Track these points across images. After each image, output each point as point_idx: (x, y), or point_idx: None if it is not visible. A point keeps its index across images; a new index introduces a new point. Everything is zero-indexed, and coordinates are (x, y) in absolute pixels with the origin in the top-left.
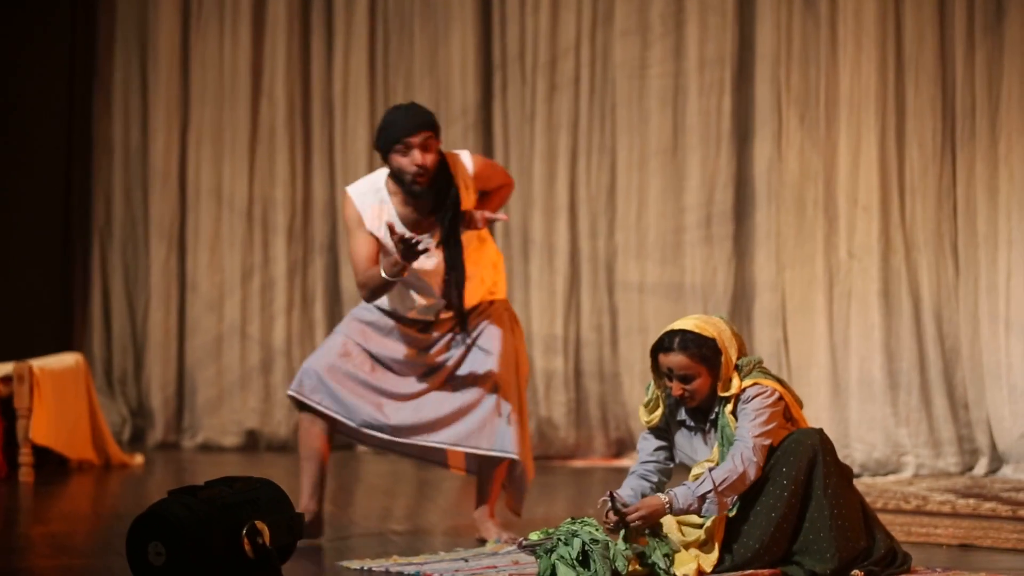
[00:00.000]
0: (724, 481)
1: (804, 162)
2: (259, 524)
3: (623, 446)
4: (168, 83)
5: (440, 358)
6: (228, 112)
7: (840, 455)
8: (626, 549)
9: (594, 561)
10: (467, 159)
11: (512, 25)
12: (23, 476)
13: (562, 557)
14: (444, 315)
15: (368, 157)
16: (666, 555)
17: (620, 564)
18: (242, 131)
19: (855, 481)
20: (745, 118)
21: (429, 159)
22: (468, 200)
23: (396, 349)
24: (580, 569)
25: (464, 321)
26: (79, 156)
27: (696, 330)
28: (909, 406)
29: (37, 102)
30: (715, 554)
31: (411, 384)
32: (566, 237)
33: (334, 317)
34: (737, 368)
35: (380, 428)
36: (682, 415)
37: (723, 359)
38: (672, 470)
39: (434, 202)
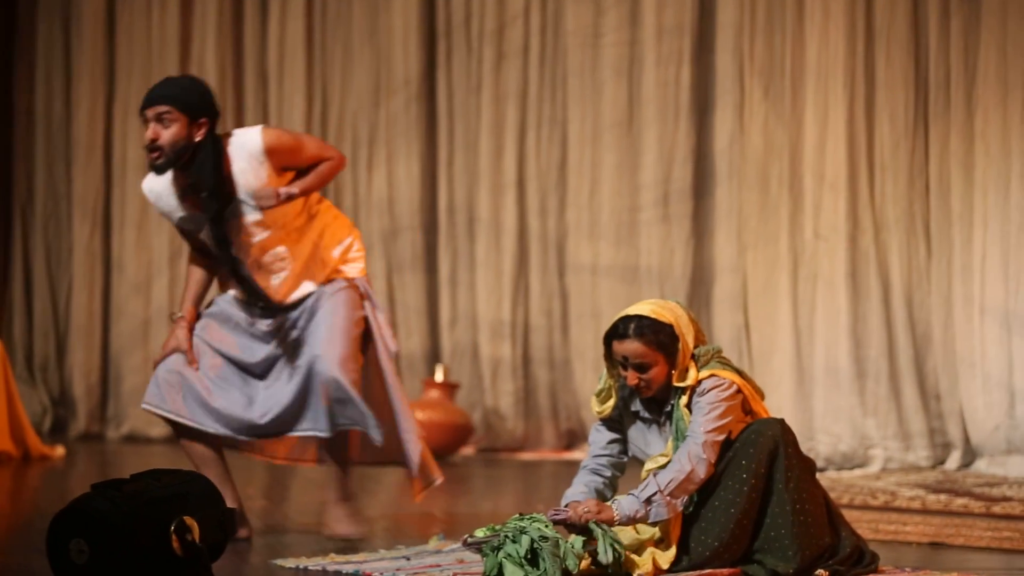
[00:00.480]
0: (671, 483)
1: (768, 137)
2: (188, 520)
3: (574, 437)
4: (93, 52)
5: (273, 346)
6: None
7: (804, 447)
8: (576, 547)
9: (543, 559)
10: (254, 135)
11: None
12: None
13: (509, 555)
14: (239, 296)
15: (305, 130)
16: (612, 545)
17: (571, 563)
18: None
19: (819, 475)
20: (705, 90)
21: (165, 135)
22: (261, 178)
23: (233, 342)
24: (529, 568)
25: (284, 306)
26: None
27: (652, 315)
28: (877, 396)
29: None
30: (672, 551)
31: (251, 379)
32: (514, 215)
33: None
34: (694, 357)
35: (232, 428)
36: (636, 406)
37: (680, 347)
38: (626, 464)
39: (196, 182)
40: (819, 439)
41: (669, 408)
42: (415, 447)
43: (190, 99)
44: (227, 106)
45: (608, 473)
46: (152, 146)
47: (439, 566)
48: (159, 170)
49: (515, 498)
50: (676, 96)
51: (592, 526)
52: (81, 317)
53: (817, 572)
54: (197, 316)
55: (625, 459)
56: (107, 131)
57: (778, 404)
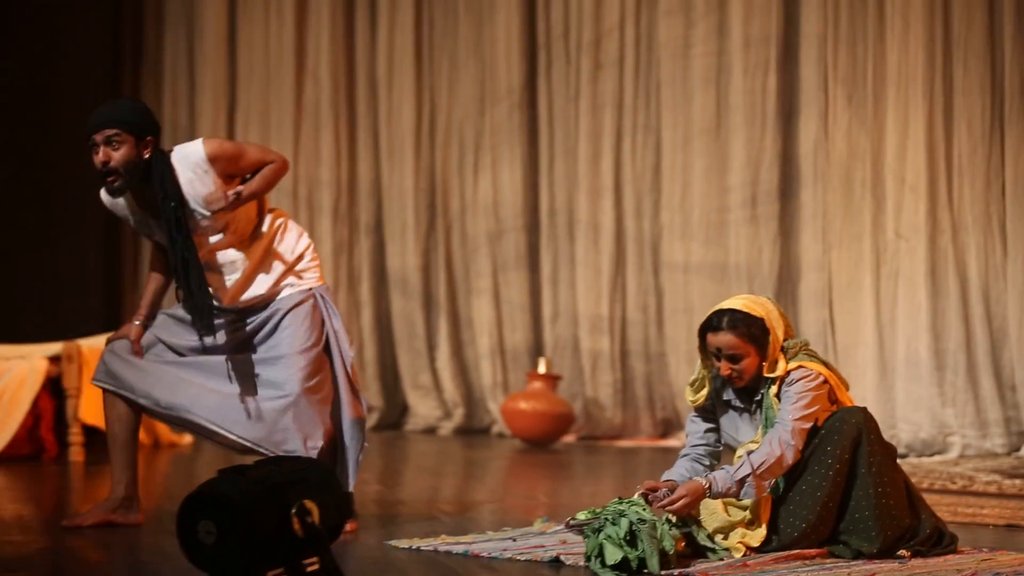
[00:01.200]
0: (762, 464)
1: (851, 141)
2: (308, 503)
3: (669, 426)
4: (215, 64)
5: (223, 345)
6: (274, 92)
7: (886, 435)
8: (673, 528)
9: (641, 540)
10: (196, 146)
11: (556, 4)
12: (73, 455)
13: (609, 537)
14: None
15: (414, 137)
16: (709, 536)
17: (667, 544)
18: (287, 111)
19: (900, 461)
20: (790, 97)
21: (116, 156)
22: (208, 185)
23: (186, 338)
24: (627, 548)
25: (239, 311)
26: None
27: (745, 310)
28: (956, 387)
29: (83, 85)
30: (762, 531)
31: (208, 373)
32: (611, 217)
33: (380, 296)
34: (783, 350)
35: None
36: (728, 395)
37: (771, 339)
38: (721, 452)
39: (164, 194)
40: (900, 427)
41: (759, 397)
42: (352, 469)
43: (135, 119)
44: (340, 114)
45: (707, 461)
46: (106, 169)
47: (543, 547)
48: (115, 193)
49: (614, 483)
50: (763, 103)
51: (692, 526)
52: None
53: (899, 552)
54: (153, 315)
55: (720, 447)
56: (228, 137)
57: (862, 394)
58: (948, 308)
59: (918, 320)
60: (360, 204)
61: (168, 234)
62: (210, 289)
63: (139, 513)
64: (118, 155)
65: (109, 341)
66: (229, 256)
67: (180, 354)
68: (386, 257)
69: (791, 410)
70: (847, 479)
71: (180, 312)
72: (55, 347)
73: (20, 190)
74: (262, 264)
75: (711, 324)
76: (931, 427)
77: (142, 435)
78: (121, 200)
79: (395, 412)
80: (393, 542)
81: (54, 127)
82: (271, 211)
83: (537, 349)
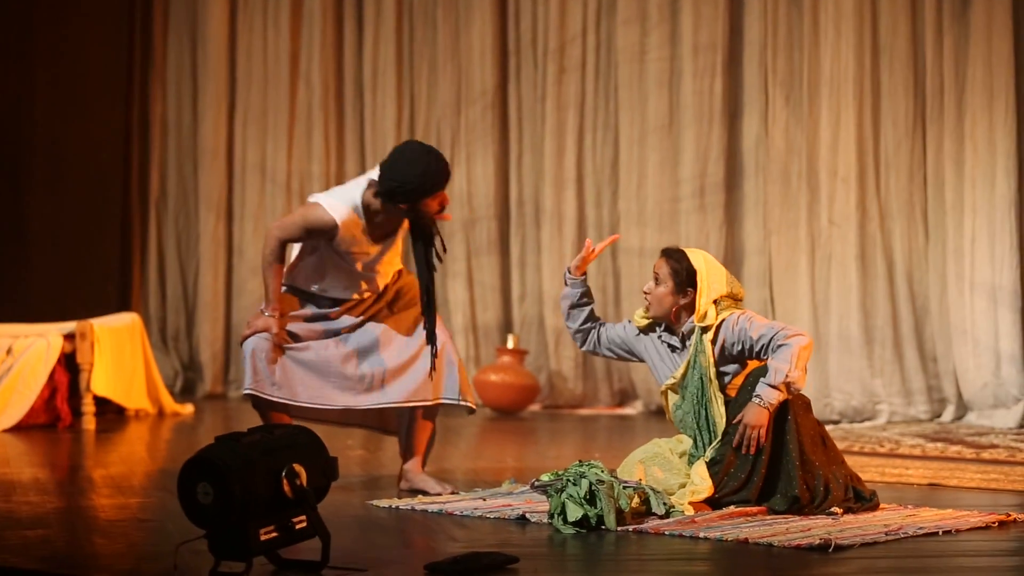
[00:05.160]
0: (792, 359)
1: (789, 138)
2: (297, 467)
3: (626, 396)
4: (216, 69)
5: (352, 322)
6: (271, 95)
7: (820, 404)
8: (627, 488)
9: (600, 499)
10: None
11: (525, 15)
12: (85, 424)
13: (571, 496)
14: (357, 297)
15: (396, 135)
16: (664, 502)
17: (623, 503)
18: (283, 112)
19: (834, 427)
20: (735, 98)
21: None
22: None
23: (310, 328)
24: (587, 507)
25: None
26: (137, 135)
27: (688, 253)
28: (883, 359)
29: (99, 86)
30: (707, 486)
31: (336, 348)
32: (574, 206)
33: None
34: (716, 303)
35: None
36: (664, 335)
37: (696, 290)
38: (589, 330)
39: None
40: (834, 396)
41: (689, 341)
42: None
43: None
44: (329, 114)
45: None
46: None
47: (511, 506)
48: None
49: (575, 448)
50: (710, 104)
51: (646, 488)
52: (207, 295)
53: (832, 508)
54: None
55: (592, 330)
56: (229, 137)
57: None
58: (876, 288)
59: (849, 299)
60: None
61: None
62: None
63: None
64: None
65: (245, 339)
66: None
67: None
68: None
69: (762, 332)
70: (775, 430)
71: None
72: (70, 325)
73: (40, 180)
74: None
75: (663, 250)
76: (861, 396)
77: (147, 404)
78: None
79: None
80: (374, 502)
81: (73, 121)
82: None
83: (506, 326)
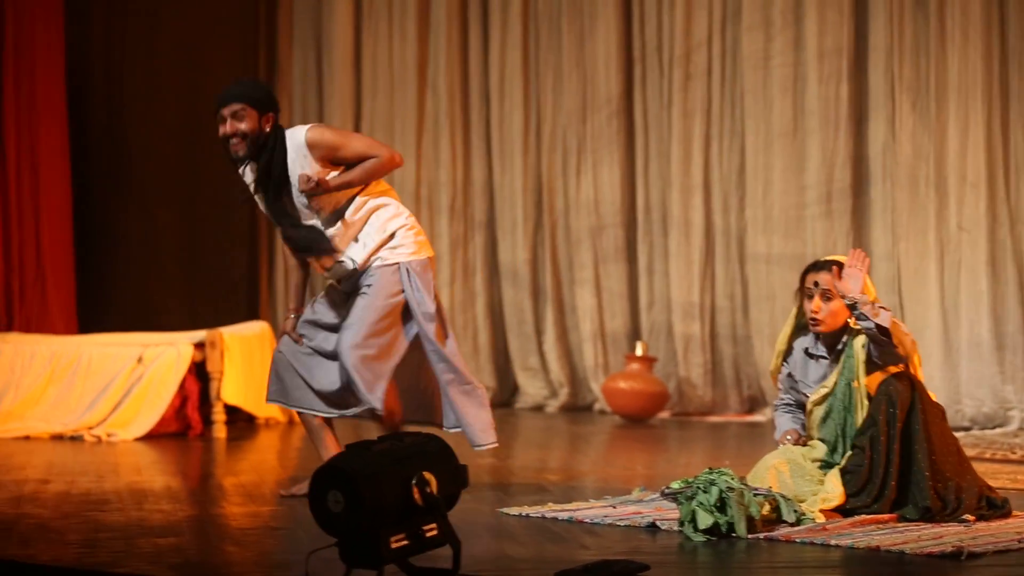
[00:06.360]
0: (880, 310)
1: (916, 143)
2: (427, 475)
3: (755, 403)
4: (342, 77)
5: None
6: (397, 103)
7: (951, 411)
8: (758, 496)
9: (730, 507)
10: (302, 130)
11: (650, 21)
12: (216, 432)
13: (701, 504)
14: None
15: (523, 142)
16: (795, 510)
17: (754, 510)
18: (410, 120)
19: (965, 433)
20: (861, 104)
21: (241, 127)
22: (305, 168)
23: (323, 312)
24: (718, 514)
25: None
26: None
27: (837, 260)
28: (1015, 365)
29: None
30: (839, 493)
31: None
32: (701, 213)
33: (492, 287)
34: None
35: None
36: (811, 346)
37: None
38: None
39: (267, 164)
40: (965, 403)
41: (840, 347)
42: (462, 410)
43: (258, 96)
44: (456, 122)
45: (800, 413)
46: (231, 136)
47: (641, 513)
48: (239, 161)
49: (705, 455)
50: (836, 109)
51: (777, 496)
52: None
53: (965, 516)
54: (302, 305)
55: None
56: None
57: (929, 373)
58: (1007, 294)
59: (980, 305)
60: (474, 203)
61: (265, 204)
62: (310, 260)
63: None
64: (243, 126)
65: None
66: (332, 231)
67: (330, 327)
68: (498, 251)
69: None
70: (904, 440)
71: (325, 296)
72: (200, 334)
73: (170, 191)
74: (356, 240)
75: (815, 263)
76: (992, 402)
77: (278, 412)
78: (249, 175)
79: (506, 391)
80: (504, 509)
81: (202, 135)
82: (381, 192)
83: (635, 333)
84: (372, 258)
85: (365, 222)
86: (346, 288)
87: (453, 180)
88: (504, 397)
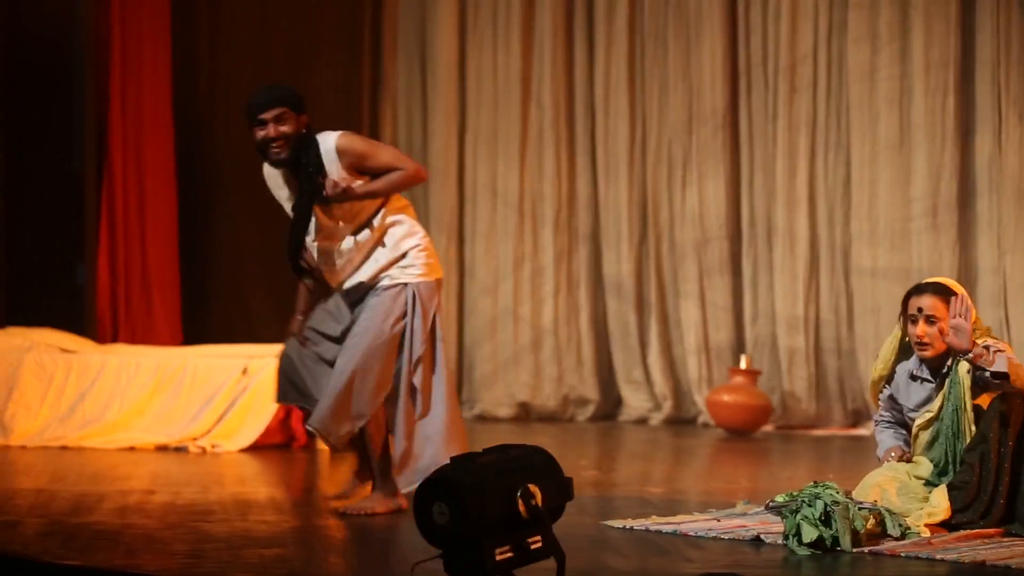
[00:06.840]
0: (996, 355)
1: (1022, 156)
2: (532, 487)
3: (859, 416)
4: (446, 90)
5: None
6: (502, 116)
7: None
8: (863, 510)
9: (835, 521)
10: (332, 136)
11: (755, 34)
12: (319, 444)
13: (806, 517)
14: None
15: (628, 155)
16: (899, 524)
17: (859, 524)
18: (514, 133)
19: None
20: (967, 116)
21: (284, 130)
22: (333, 174)
23: (323, 322)
24: (822, 528)
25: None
26: None
27: (948, 283)
28: None
29: (332, 110)
30: (944, 507)
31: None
32: (806, 226)
33: (597, 299)
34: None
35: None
36: (916, 369)
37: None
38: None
39: (305, 162)
40: None
41: (946, 371)
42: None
43: (296, 100)
44: (561, 135)
45: (903, 431)
46: (275, 139)
47: (745, 527)
48: (279, 163)
49: (809, 469)
50: (942, 122)
51: (882, 510)
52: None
53: None
54: (310, 308)
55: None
56: (460, 158)
57: None
58: None
59: None
60: (579, 216)
61: (296, 202)
62: (319, 268)
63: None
64: (285, 128)
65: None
66: (346, 244)
67: (331, 338)
68: (602, 264)
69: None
70: (1016, 457)
71: (328, 303)
72: None
73: (268, 204)
74: (369, 256)
75: (917, 288)
76: None
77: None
78: (279, 177)
79: (610, 404)
80: (608, 522)
81: None
82: (399, 209)
83: (739, 346)
84: (382, 275)
85: (381, 237)
86: (352, 299)
87: (557, 193)
88: (608, 410)
